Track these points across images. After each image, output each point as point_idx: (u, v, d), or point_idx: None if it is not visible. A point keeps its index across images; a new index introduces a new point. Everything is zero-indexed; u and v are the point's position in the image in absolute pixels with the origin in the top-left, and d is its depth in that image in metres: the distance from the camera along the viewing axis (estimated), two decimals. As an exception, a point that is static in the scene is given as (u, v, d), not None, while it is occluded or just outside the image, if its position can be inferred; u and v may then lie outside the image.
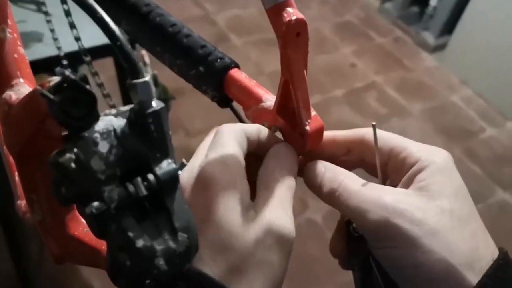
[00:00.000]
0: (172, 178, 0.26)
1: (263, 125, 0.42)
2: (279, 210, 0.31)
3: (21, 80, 0.36)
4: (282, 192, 0.33)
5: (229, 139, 0.33)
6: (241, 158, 0.33)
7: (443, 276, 0.30)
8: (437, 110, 2.49)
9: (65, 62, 1.02)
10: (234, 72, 0.44)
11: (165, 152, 0.26)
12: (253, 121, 0.43)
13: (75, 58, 0.99)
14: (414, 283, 0.32)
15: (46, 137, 0.30)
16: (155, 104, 0.25)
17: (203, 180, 0.31)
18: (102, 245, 0.37)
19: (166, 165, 0.25)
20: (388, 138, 0.36)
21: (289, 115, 0.39)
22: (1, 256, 1.51)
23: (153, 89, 0.24)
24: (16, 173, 0.39)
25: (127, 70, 0.24)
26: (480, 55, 2.55)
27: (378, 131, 0.36)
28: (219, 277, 0.27)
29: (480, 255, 0.31)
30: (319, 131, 0.38)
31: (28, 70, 0.38)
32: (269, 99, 0.41)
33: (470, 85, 2.63)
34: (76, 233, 0.37)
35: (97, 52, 1.17)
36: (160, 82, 1.78)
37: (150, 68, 1.84)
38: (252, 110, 0.42)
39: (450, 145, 2.28)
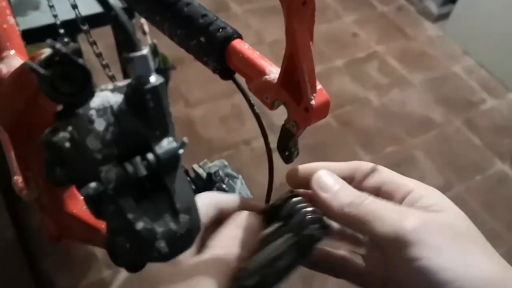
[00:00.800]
0: (173, 157, 0.24)
1: (266, 99, 0.40)
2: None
3: (12, 52, 0.34)
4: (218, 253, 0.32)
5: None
6: None
7: None
8: (438, 81, 2.46)
9: (62, 30, 0.99)
10: (237, 43, 0.42)
11: (165, 129, 0.24)
12: (256, 95, 0.42)
13: (74, 27, 0.97)
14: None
15: (39, 113, 0.29)
16: (154, 79, 0.23)
17: None
18: (102, 223, 0.36)
19: (166, 144, 0.24)
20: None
21: (293, 88, 0.37)
22: (3, 223, 1.51)
23: (152, 63, 0.23)
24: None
25: (123, 42, 0.22)
26: (484, 25, 2.50)
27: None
28: None
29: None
30: (325, 106, 0.37)
31: (19, 41, 0.36)
32: (273, 72, 0.39)
33: (472, 56, 2.59)
34: (74, 211, 0.35)
35: (95, 20, 1.13)
36: (160, 52, 1.76)
37: (150, 36, 1.81)
38: (255, 83, 0.41)
39: (451, 116, 2.26)
